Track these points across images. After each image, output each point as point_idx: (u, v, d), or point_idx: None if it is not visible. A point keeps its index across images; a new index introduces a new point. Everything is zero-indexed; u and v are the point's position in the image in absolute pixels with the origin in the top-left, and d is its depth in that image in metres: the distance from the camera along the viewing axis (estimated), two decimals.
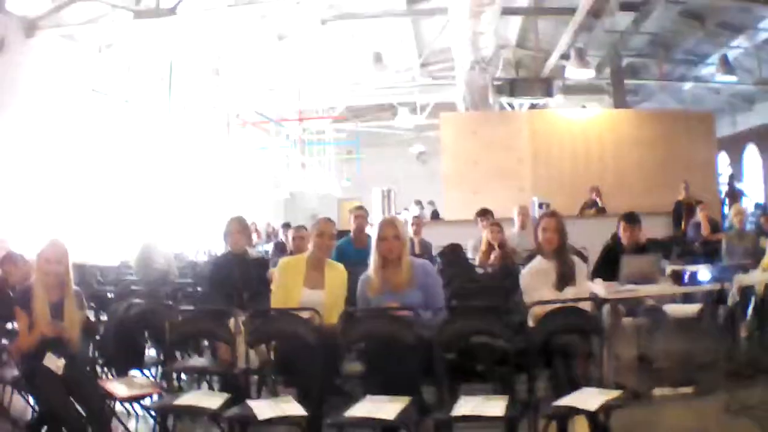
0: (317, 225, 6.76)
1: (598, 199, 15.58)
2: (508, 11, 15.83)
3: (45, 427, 5.84)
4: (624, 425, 5.90)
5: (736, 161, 26.40)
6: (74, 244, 6.90)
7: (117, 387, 5.99)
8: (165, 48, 16.31)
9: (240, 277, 7.52)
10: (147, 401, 6.11)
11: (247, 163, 22.12)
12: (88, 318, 6.42)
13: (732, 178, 23.27)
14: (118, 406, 6.45)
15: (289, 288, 6.48)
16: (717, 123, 19.25)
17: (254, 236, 15.72)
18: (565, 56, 17.52)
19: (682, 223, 14.55)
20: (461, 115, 19.37)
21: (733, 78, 19.16)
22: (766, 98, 23.12)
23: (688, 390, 7.43)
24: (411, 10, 16.80)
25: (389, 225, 6.19)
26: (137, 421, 6.84)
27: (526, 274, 6.73)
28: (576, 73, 16.32)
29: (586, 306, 5.99)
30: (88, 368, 6.18)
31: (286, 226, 13.13)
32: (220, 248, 12.28)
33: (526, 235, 11.25)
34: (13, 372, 6.24)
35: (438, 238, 12.30)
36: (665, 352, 8.43)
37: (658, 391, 7.42)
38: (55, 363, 5.66)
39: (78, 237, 13.03)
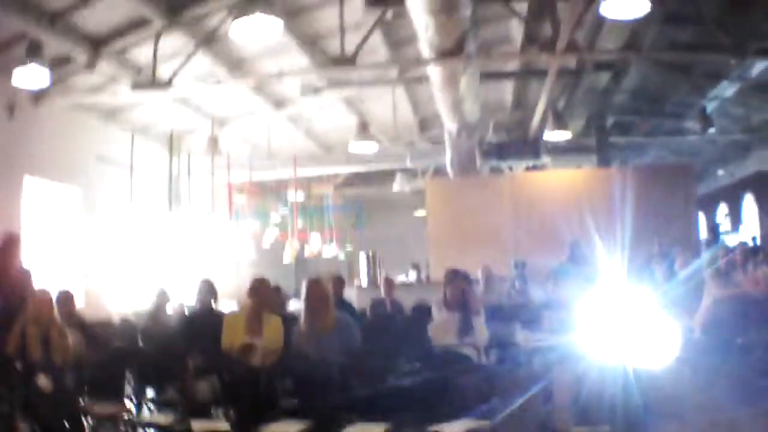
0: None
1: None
2: (486, 76, 15.98)
3: None
4: None
5: (735, 210, 26.27)
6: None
7: (98, 407, 7.33)
8: (165, 116, 17.24)
9: (201, 328, 8.81)
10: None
11: (248, 231, 22.64)
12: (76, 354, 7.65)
13: (714, 228, 23.69)
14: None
15: (233, 335, 7.81)
16: (714, 173, 19.22)
17: None
18: (543, 119, 17.67)
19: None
20: (446, 182, 20.05)
21: (711, 130, 18.85)
22: (762, 146, 22.85)
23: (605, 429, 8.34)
24: (402, 78, 17.02)
25: (315, 284, 7.70)
26: None
27: (433, 325, 8.00)
28: (554, 135, 16.56)
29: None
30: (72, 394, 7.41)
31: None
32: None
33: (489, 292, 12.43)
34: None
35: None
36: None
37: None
38: (46, 384, 6.94)
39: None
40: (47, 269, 13.59)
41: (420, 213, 26.88)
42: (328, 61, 14.16)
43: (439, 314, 8.22)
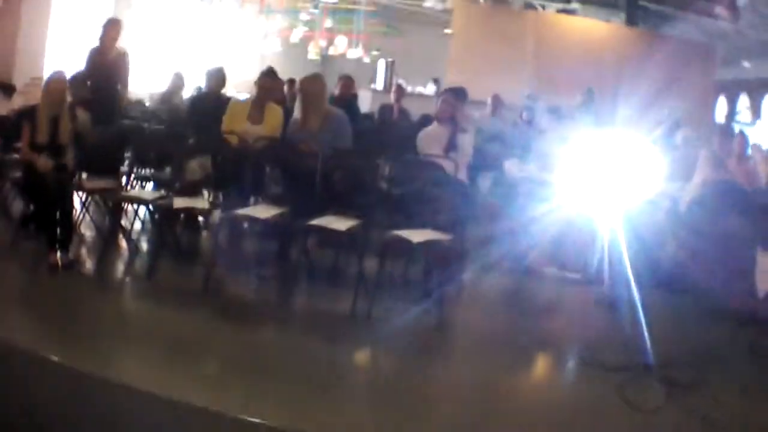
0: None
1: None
2: None
3: (32, 224, 7.60)
4: None
5: (756, 104, 25.48)
6: None
7: (89, 183, 7.92)
8: None
9: (208, 112, 9.03)
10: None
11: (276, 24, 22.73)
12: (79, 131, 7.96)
13: (730, 115, 23.65)
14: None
15: (236, 120, 8.27)
16: (739, 63, 19.10)
17: None
18: None
19: None
20: (475, 6, 19.89)
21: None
22: None
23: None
24: None
25: (307, 77, 8.14)
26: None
27: (421, 135, 8.38)
28: None
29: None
30: (71, 168, 7.73)
31: (291, 82, 14.37)
32: None
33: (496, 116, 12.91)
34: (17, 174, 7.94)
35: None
36: None
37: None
38: (45, 163, 7.25)
39: None
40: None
41: (449, 31, 26.92)
42: None
43: (432, 127, 8.54)
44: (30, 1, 13.95)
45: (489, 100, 13.15)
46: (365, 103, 15.54)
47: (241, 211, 7.04)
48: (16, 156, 8.12)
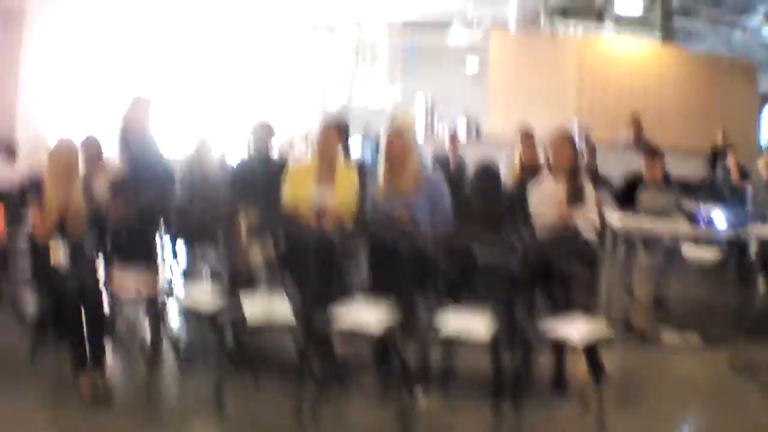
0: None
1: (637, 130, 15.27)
2: None
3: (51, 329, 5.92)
4: (626, 366, 5.94)
5: None
6: None
7: (119, 279, 6.14)
8: None
9: (259, 179, 7.42)
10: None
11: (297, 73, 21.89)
12: (98, 207, 6.42)
13: None
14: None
15: (300, 187, 6.52)
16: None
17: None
18: None
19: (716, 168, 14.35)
20: (512, 36, 19.12)
21: None
22: None
23: (695, 338, 7.40)
24: None
25: (397, 136, 6.27)
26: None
27: (535, 193, 6.69)
28: (625, 4, 16.86)
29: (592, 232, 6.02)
30: (91, 257, 6.16)
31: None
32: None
33: None
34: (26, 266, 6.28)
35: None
36: (679, 296, 8.31)
37: (666, 336, 7.40)
38: (59, 248, 5.76)
39: None
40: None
41: (471, 69, 26.03)
42: None
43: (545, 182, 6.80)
44: (29, 52, 12.58)
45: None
46: None
47: (339, 322, 5.29)
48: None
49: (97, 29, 14.33)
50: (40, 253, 5.85)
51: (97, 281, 5.94)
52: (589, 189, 6.65)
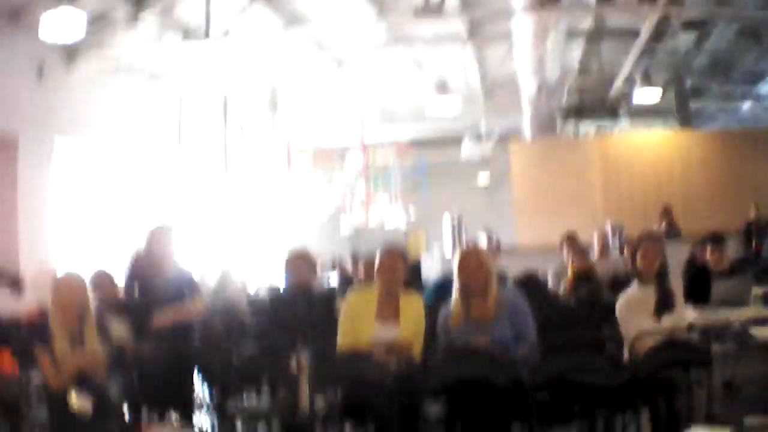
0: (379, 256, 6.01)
1: (669, 221, 14.93)
2: (572, 33, 15.73)
3: None
4: None
5: None
6: None
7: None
8: (218, 77, 15.58)
9: (303, 314, 6.71)
10: None
11: (308, 198, 21.59)
12: (122, 349, 5.71)
13: None
14: None
15: (359, 322, 5.73)
16: None
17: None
18: (627, 80, 17.58)
19: (754, 244, 14.05)
20: (531, 144, 18.95)
21: None
22: None
23: None
24: (473, 36, 15.99)
25: (471, 254, 5.58)
26: None
27: (622, 302, 6.03)
28: (644, 95, 16.24)
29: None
30: (118, 409, 5.40)
31: (355, 257, 12.65)
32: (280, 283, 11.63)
33: (604, 261, 10.58)
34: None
35: (510, 268, 11.48)
36: (753, 378, 7.68)
37: (748, 420, 6.71)
38: (81, 403, 4.97)
39: None
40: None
41: (483, 181, 25.78)
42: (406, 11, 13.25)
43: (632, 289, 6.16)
44: (28, 179, 11.99)
45: (595, 240, 11.03)
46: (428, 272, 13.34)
47: None
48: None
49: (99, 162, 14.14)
50: (57, 404, 5.04)
51: None
52: (678, 291, 6.03)
